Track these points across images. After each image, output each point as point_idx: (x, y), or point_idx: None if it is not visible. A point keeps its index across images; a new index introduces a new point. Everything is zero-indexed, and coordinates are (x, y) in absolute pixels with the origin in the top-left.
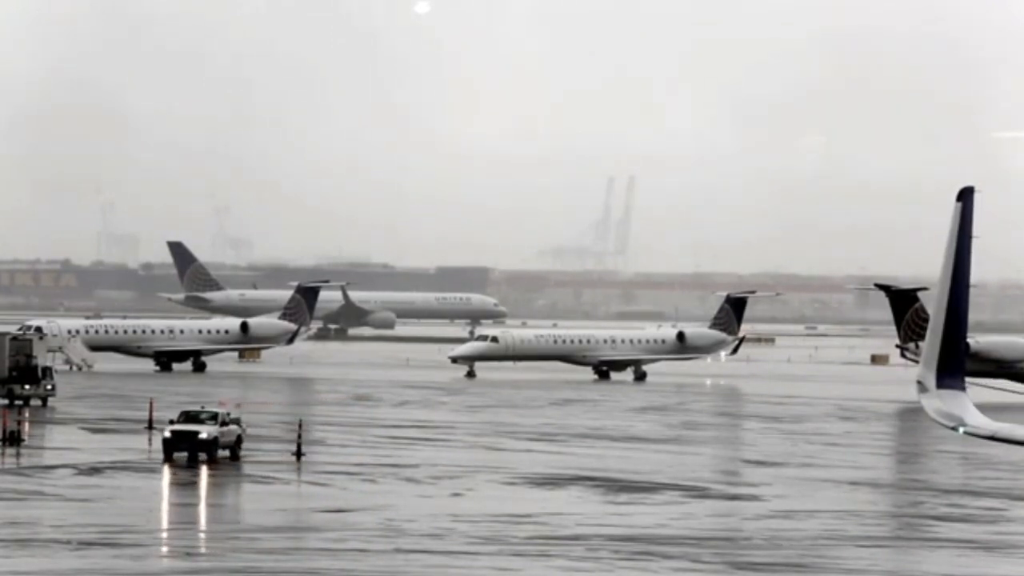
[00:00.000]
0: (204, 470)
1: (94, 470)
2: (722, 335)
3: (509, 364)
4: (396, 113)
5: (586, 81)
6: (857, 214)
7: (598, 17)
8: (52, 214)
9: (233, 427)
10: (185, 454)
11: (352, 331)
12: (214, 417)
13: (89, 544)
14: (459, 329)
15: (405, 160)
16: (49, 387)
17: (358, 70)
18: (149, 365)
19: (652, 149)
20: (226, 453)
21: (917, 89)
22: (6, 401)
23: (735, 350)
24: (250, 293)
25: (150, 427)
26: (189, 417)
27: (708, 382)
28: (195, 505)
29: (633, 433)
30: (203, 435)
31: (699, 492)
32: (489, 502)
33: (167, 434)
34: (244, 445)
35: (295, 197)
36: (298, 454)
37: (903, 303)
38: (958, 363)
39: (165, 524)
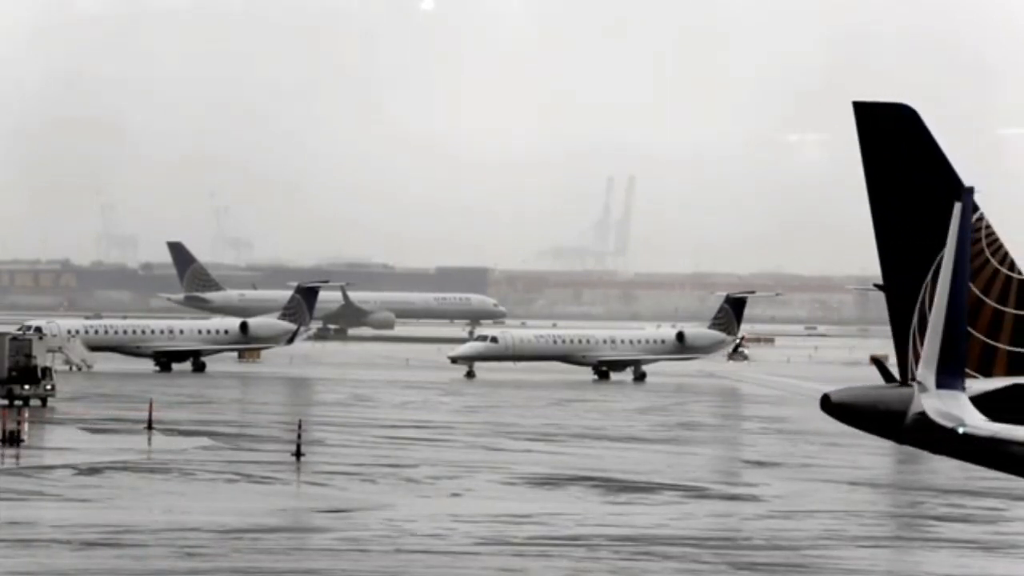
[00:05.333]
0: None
1: (93, 470)
2: (722, 335)
3: (509, 364)
4: (396, 113)
5: (586, 81)
6: (857, 214)
7: (598, 17)
8: (52, 215)
9: None
10: None
11: (352, 331)
12: None
13: (89, 544)
14: (459, 329)
15: (405, 161)
16: (49, 387)
17: (358, 70)
18: (149, 365)
19: (652, 149)
20: None
21: (917, 89)
22: (6, 401)
23: (735, 350)
24: (250, 293)
25: (150, 427)
26: None
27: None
28: None
29: (633, 433)
30: None
31: (699, 492)
32: (489, 502)
33: None
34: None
35: (295, 197)
36: (298, 454)
37: None
38: (958, 363)
39: None
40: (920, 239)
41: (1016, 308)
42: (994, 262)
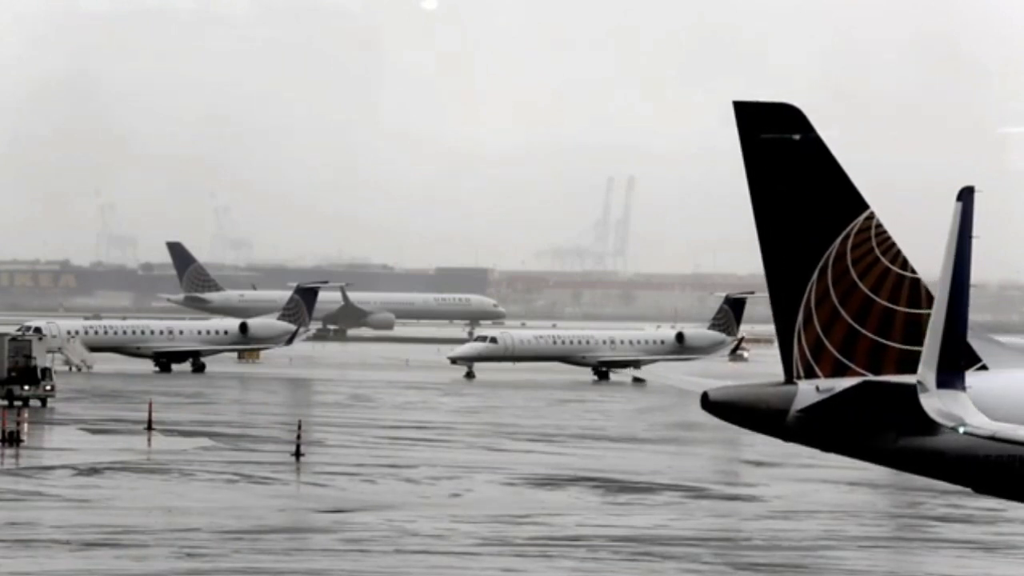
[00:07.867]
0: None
1: (93, 471)
2: (721, 336)
3: (508, 365)
4: (396, 114)
5: (585, 81)
6: None
7: (598, 16)
8: (51, 215)
9: None
10: None
11: (351, 332)
12: None
13: (89, 545)
14: (458, 330)
15: (404, 160)
16: (48, 388)
17: (357, 70)
18: (148, 366)
19: (652, 148)
20: None
21: (917, 88)
22: (5, 402)
23: (734, 351)
24: (249, 294)
25: (149, 428)
26: None
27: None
28: None
29: (632, 434)
30: None
31: (698, 492)
32: (489, 503)
33: None
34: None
35: (295, 197)
36: (297, 454)
37: None
38: (958, 363)
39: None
40: (805, 239)
41: (907, 307)
42: (885, 260)
